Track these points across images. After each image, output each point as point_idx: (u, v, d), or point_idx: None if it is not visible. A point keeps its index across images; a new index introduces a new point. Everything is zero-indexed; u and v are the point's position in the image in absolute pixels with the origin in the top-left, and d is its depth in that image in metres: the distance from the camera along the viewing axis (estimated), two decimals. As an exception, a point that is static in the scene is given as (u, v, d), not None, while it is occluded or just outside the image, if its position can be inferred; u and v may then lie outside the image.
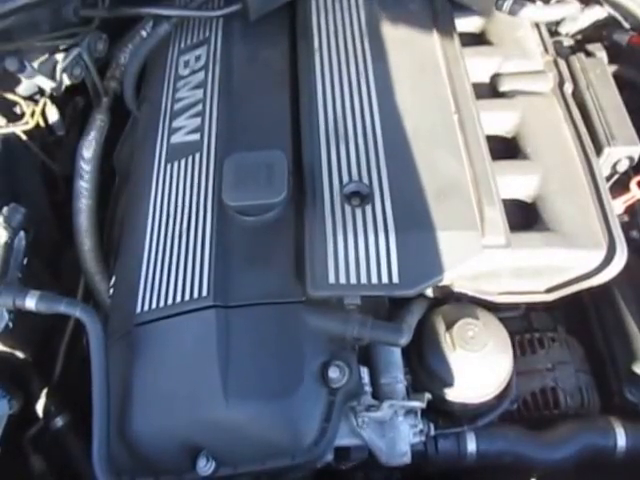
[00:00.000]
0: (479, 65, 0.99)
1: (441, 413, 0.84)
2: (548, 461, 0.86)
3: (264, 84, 0.98)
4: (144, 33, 1.15)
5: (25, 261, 0.88)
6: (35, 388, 0.95)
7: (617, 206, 0.93)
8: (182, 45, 1.08)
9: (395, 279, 0.75)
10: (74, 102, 1.18)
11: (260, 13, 1.03)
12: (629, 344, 0.91)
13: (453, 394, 0.83)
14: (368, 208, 0.80)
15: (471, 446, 0.84)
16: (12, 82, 1.06)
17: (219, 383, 0.72)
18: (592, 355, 0.96)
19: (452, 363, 0.82)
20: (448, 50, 0.97)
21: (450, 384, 0.82)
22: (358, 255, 0.77)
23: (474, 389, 0.83)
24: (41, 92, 1.10)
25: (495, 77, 1.00)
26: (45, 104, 1.09)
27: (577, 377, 0.91)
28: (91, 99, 1.15)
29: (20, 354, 0.93)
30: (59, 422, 0.93)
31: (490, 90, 0.99)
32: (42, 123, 1.10)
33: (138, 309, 0.80)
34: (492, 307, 0.88)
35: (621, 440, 0.85)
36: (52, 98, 1.10)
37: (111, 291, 0.92)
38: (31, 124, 1.06)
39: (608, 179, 0.95)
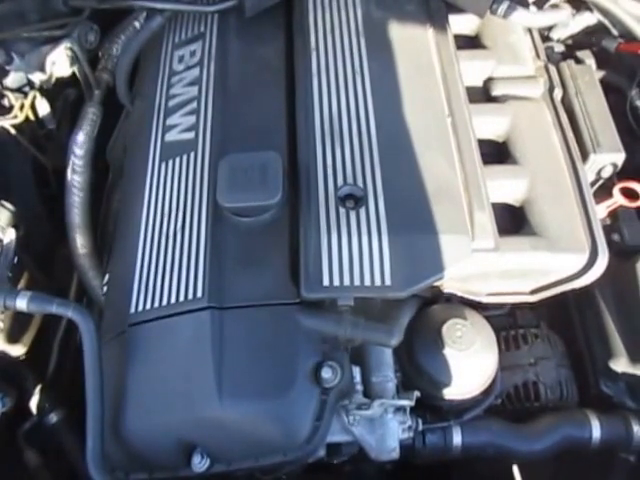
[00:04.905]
0: (472, 68, 1.01)
1: (429, 408, 0.87)
2: (528, 452, 0.90)
3: (260, 82, 0.98)
4: (137, 24, 1.13)
5: (15, 260, 0.87)
6: (29, 384, 0.95)
7: (600, 211, 0.96)
8: (176, 39, 1.07)
9: (387, 281, 0.77)
10: (65, 95, 1.16)
11: (256, 10, 1.02)
12: (607, 342, 0.95)
13: (441, 391, 0.86)
14: (362, 211, 0.81)
15: (457, 439, 0.87)
16: (-1, 74, 1.04)
17: (213, 383, 0.73)
18: (572, 350, 1.00)
19: (441, 361, 0.84)
20: (443, 53, 0.97)
21: (439, 381, 0.85)
22: (352, 257, 0.78)
23: (461, 386, 0.86)
24: (30, 85, 1.08)
25: (488, 81, 1.01)
26: (35, 97, 1.07)
27: (557, 372, 0.95)
28: (83, 91, 1.13)
29: (13, 351, 0.93)
30: (54, 418, 0.93)
31: (483, 94, 1.01)
32: (32, 116, 1.08)
33: (132, 309, 0.80)
34: (480, 305, 0.91)
35: (596, 432, 0.89)
36: (42, 91, 1.08)
37: (104, 289, 0.93)
38: (20, 118, 1.04)
39: (593, 184, 0.98)
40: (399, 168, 0.86)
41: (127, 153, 1.02)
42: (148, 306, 0.80)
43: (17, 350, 0.94)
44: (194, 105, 0.96)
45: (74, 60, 1.08)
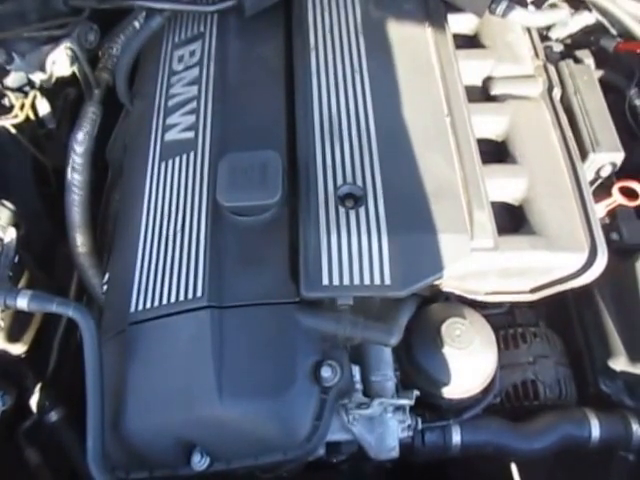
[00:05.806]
0: (471, 68, 1.01)
1: (428, 407, 0.88)
2: (528, 451, 0.91)
3: (259, 82, 0.98)
4: (137, 24, 1.13)
5: (16, 259, 0.88)
6: (29, 383, 0.95)
7: (599, 210, 0.96)
8: (176, 39, 1.07)
9: (387, 281, 0.77)
10: (65, 94, 1.16)
11: (255, 9, 1.02)
12: (605, 340, 0.95)
13: (440, 390, 0.86)
14: (361, 210, 0.82)
15: (456, 438, 0.88)
16: (0, 74, 1.04)
17: (213, 382, 0.73)
18: (571, 349, 1.00)
19: (440, 360, 0.85)
20: (442, 52, 0.98)
21: (438, 380, 0.86)
22: (351, 257, 0.79)
23: (461, 385, 0.86)
24: (30, 84, 1.08)
25: (487, 80, 1.01)
26: (35, 97, 1.08)
27: (556, 370, 0.96)
28: (83, 91, 1.13)
29: (14, 349, 0.93)
30: (54, 416, 0.94)
31: (481, 93, 1.01)
32: (32, 116, 1.08)
33: (132, 308, 0.81)
34: (479, 304, 0.91)
35: (595, 430, 0.90)
36: (42, 90, 1.09)
37: (104, 288, 0.93)
38: (21, 117, 1.04)
39: (592, 183, 0.99)
40: (398, 167, 0.86)
41: (127, 152, 1.03)
42: (148, 305, 0.80)
43: (17, 349, 0.94)
44: (194, 105, 0.96)
45: (74, 60, 1.09)
